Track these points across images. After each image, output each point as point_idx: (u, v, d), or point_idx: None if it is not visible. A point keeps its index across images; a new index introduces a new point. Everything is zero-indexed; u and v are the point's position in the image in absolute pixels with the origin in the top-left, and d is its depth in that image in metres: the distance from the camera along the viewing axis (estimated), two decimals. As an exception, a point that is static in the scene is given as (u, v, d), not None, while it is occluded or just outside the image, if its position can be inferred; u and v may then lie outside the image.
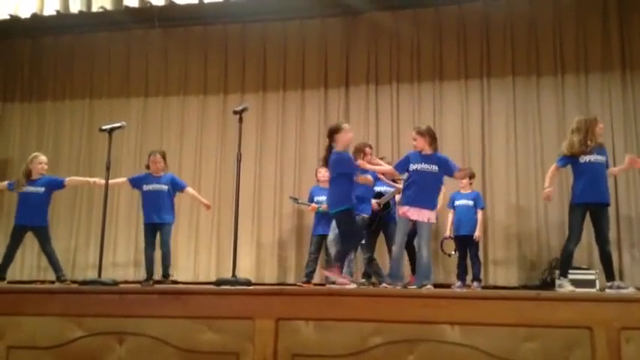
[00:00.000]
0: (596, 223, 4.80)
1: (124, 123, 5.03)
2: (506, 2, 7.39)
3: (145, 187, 6.03)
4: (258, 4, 7.52)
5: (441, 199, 5.48)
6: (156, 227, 5.99)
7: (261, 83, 7.94)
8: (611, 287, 4.56)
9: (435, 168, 4.75)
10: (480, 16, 7.42)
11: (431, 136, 4.82)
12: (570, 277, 5.92)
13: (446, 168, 4.81)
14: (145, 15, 7.69)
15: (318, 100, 7.75)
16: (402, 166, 4.88)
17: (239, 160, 4.27)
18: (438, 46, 7.53)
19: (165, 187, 6.02)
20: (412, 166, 4.78)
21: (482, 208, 6.08)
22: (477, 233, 6.03)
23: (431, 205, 4.77)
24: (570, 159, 4.90)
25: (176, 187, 6.16)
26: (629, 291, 4.37)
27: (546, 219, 6.87)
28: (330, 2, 7.64)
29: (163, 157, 6.15)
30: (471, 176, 6.22)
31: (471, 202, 6.07)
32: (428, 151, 4.80)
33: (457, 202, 6.17)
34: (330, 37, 7.85)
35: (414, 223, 4.81)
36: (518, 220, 6.95)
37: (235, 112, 4.35)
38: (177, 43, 8.23)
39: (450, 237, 6.27)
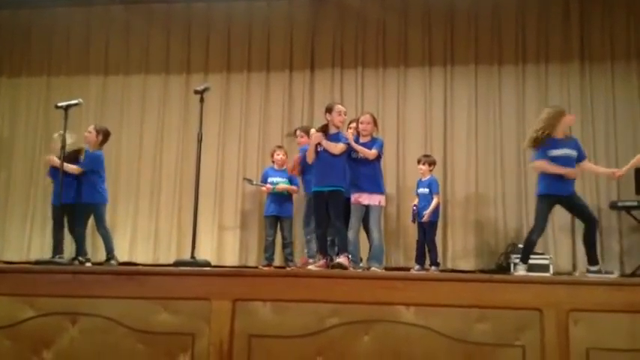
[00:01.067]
0: (573, 211, 4.90)
1: (80, 100, 4.91)
2: (471, -10, 7.46)
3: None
4: (224, -17, 7.40)
5: None
6: (90, 207, 5.75)
7: (225, 64, 7.83)
8: (596, 272, 4.66)
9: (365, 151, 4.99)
10: (446, 3, 7.46)
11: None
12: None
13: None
14: (105, -10, 7.49)
15: (283, 83, 7.69)
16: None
17: (200, 141, 4.22)
18: (403, 31, 7.56)
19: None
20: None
21: (437, 193, 6.15)
22: (425, 217, 6.06)
23: (380, 188, 5.00)
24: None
25: (93, 166, 5.76)
26: (614, 276, 4.43)
27: (504, 205, 7.02)
28: (297, -17, 7.58)
29: (98, 131, 5.84)
30: (430, 163, 6.27)
31: (427, 190, 6.15)
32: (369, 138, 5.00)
33: (418, 190, 6.25)
34: (297, 19, 7.78)
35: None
36: (477, 207, 7.08)
37: (196, 92, 4.28)
38: (139, 21, 8.03)
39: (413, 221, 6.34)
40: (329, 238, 4.90)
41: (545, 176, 4.91)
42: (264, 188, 6.44)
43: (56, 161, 5.49)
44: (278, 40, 7.78)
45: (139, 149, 7.74)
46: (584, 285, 2.51)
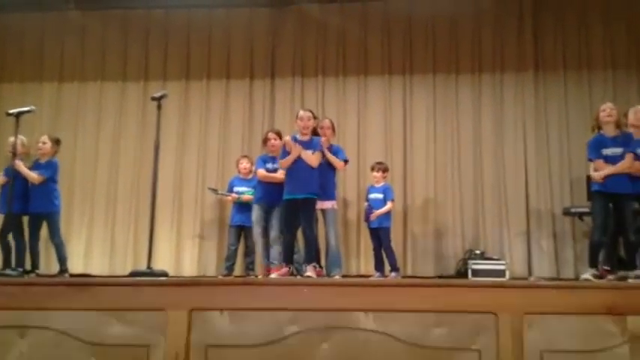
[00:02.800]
0: (620, 213, 4.64)
1: (33, 107, 4.76)
2: (429, 1, 7.57)
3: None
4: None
5: None
6: (39, 217, 5.57)
7: (184, 71, 7.74)
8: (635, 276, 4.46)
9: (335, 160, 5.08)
10: (404, 13, 7.57)
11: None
12: (481, 266, 6.23)
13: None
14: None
15: (243, 91, 7.65)
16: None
17: (157, 149, 4.14)
18: (363, 41, 7.62)
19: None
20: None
21: (391, 200, 6.18)
22: (373, 217, 6.06)
23: (332, 195, 5.08)
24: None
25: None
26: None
27: (462, 212, 7.13)
28: (257, -8, 7.56)
29: (53, 141, 5.68)
30: (384, 170, 6.31)
31: (380, 195, 6.17)
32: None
33: (370, 196, 6.26)
34: (257, 28, 7.76)
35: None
36: (436, 213, 7.16)
37: (154, 99, 4.21)
38: (96, 27, 7.88)
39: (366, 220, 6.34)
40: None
41: None
42: (229, 198, 6.37)
43: (22, 167, 5.34)
44: (238, 48, 7.75)
45: (94, 157, 7.56)
46: (538, 289, 2.56)
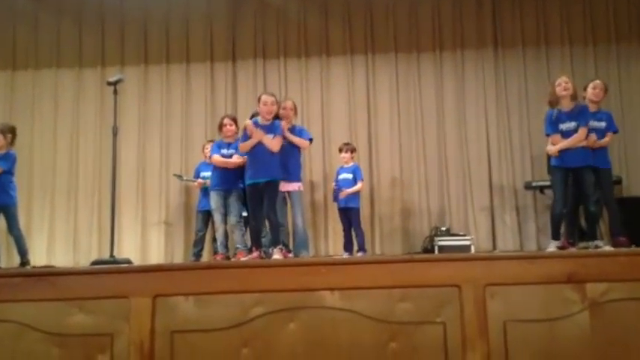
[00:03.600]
0: (579, 185, 4.74)
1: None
2: (390, -20, 7.56)
3: None
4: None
5: None
6: None
7: (142, 56, 7.58)
8: (595, 246, 4.65)
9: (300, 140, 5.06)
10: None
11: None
12: (447, 242, 6.31)
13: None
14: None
15: (204, 74, 7.55)
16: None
17: (115, 134, 4.06)
18: (324, 22, 7.58)
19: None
20: None
21: (361, 180, 6.21)
22: (343, 194, 6.07)
23: (298, 176, 5.05)
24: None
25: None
26: (607, 248, 4.42)
27: (427, 189, 7.20)
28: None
29: (6, 131, 5.49)
30: (352, 150, 6.32)
31: (350, 175, 6.19)
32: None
33: (339, 176, 6.27)
34: (216, 10, 7.64)
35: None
36: (402, 192, 7.22)
37: (110, 84, 4.13)
38: (49, 14, 7.63)
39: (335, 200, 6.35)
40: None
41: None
42: (195, 184, 6.30)
43: None
44: (198, 31, 7.62)
45: (53, 146, 7.37)
46: (500, 260, 2.59)
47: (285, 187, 4.94)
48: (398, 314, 2.51)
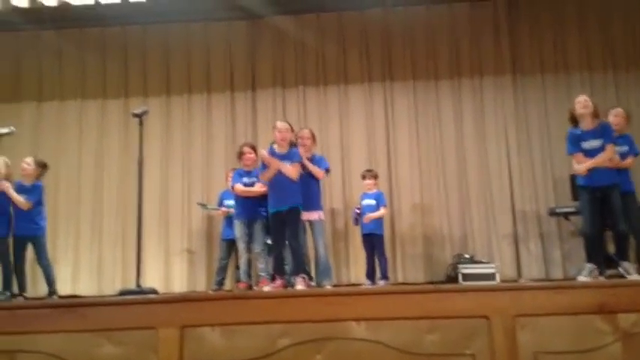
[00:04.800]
0: (608, 205, 4.60)
1: (12, 128, 4.71)
2: (405, 10, 7.63)
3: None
4: (159, 5, 7.30)
5: None
6: (25, 240, 5.49)
7: (164, 86, 7.73)
8: (624, 270, 4.54)
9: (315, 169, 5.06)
10: (381, 23, 7.63)
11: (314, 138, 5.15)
12: (471, 270, 6.23)
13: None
14: (35, 15, 7.27)
15: (225, 104, 7.66)
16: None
17: (140, 164, 4.12)
18: (341, 50, 7.66)
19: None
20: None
21: (385, 206, 6.21)
22: (367, 218, 6.07)
23: (318, 205, 5.04)
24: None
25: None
26: (636, 276, 4.37)
27: (449, 216, 7.16)
28: (233, 5, 7.54)
29: (37, 164, 5.62)
30: (375, 177, 6.34)
31: (373, 202, 6.20)
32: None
33: (363, 202, 6.28)
34: (235, 40, 7.77)
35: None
36: (422, 218, 7.19)
37: (135, 115, 4.20)
38: (73, 45, 7.83)
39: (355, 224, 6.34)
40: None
41: None
42: (219, 212, 6.33)
43: (11, 191, 5.30)
44: (218, 61, 7.75)
45: (77, 177, 7.50)
46: (527, 290, 2.56)
47: (305, 216, 4.96)
48: (425, 346, 2.48)
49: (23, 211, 5.42)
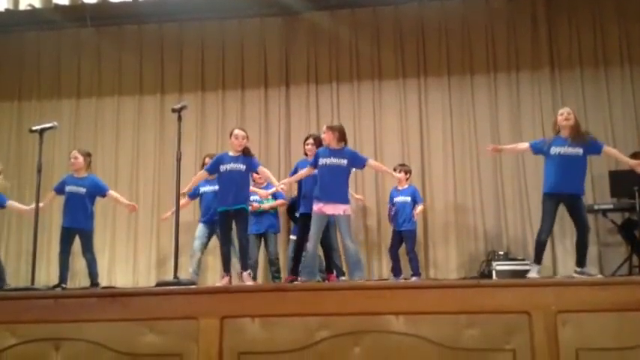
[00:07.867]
0: (572, 213, 4.96)
1: (55, 123, 4.81)
2: (440, 3, 7.56)
3: (67, 189, 5.61)
4: (195, 2, 7.39)
5: None
6: (73, 232, 5.59)
7: (199, 83, 7.82)
8: (581, 273, 4.83)
9: (343, 162, 5.02)
10: (416, 17, 7.57)
11: (340, 132, 5.09)
12: (506, 267, 6.16)
13: (354, 160, 5.12)
14: (76, 13, 7.44)
15: (259, 100, 7.71)
16: (313, 162, 5.14)
17: (179, 160, 4.18)
18: (375, 45, 7.63)
19: (83, 190, 5.58)
20: (321, 161, 5.01)
21: (422, 201, 6.18)
22: (417, 213, 6.13)
23: (344, 197, 5.02)
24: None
25: (97, 191, 5.72)
26: (598, 277, 4.51)
27: (483, 213, 7.08)
28: (267, 2, 7.59)
29: (84, 155, 5.74)
30: (407, 172, 6.31)
31: (408, 198, 6.16)
32: (336, 146, 5.03)
33: (395, 199, 6.25)
34: (269, 37, 7.82)
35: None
36: (456, 215, 7.12)
37: (174, 111, 4.25)
38: (111, 43, 7.99)
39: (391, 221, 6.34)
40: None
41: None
42: (250, 208, 6.38)
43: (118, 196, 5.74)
44: (252, 58, 7.80)
45: (114, 171, 7.64)
46: (570, 286, 2.54)
47: (331, 210, 4.92)
48: (465, 341, 2.48)
49: (78, 204, 5.54)
